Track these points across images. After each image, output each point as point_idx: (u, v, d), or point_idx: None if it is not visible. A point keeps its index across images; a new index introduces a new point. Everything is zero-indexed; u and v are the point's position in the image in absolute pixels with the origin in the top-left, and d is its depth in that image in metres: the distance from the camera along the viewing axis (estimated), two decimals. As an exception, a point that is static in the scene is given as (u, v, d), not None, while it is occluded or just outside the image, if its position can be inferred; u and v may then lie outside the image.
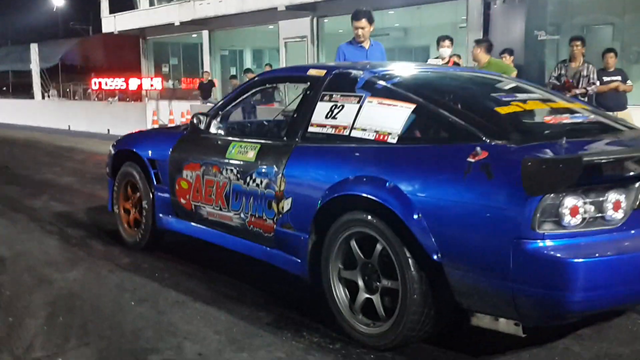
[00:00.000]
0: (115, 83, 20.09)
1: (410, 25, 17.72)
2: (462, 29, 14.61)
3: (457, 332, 3.21)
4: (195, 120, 4.24)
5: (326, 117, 3.41)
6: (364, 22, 5.45)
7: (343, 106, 3.36)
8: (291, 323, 3.45)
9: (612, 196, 2.52)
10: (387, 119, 3.12)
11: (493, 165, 2.58)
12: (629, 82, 8.55)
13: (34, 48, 22.98)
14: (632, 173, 2.49)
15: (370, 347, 3.07)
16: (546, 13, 13.10)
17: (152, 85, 19.51)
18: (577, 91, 8.07)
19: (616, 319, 3.41)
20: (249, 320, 3.51)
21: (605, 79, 8.45)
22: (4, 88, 31.37)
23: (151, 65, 22.95)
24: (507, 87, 3.60)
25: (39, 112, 20.77)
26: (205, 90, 16.93)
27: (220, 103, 4.34)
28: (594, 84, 8.18)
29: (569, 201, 2.45)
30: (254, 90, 4.18)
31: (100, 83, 20.35)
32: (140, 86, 19.75)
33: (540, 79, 11.16)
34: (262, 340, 3.25)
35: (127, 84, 19.82)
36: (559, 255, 2.41)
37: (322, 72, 3.64)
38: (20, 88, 27.30)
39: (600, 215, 2.53)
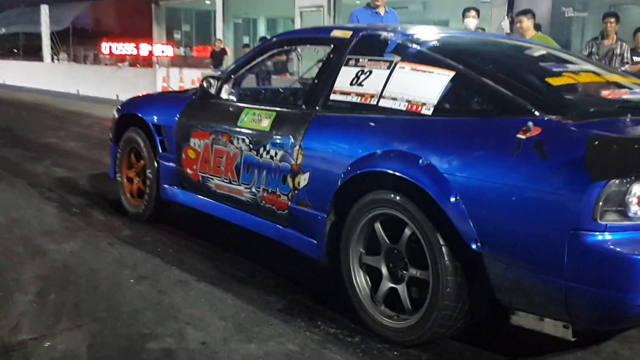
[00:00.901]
0: (125, 48, 19.72)
1: (430, -1, 17.26)
2: (485, 4, 14.10)
3: (492, 330, 2.89)
4: (205, 84, 3.89)
5: (351, 83, 3.04)
6: None
7: (371, 72, 2.98)
8: (305, 310, 3.14)
9: (685, 184, 2.17)
10: (422, 87, 2.75)
11: (548, 144, 2.21)
12: None
13: (44, 10, 22.57)
14: None
15: (394, 342, 2.75)
16: (574, -10, 12.66)
17: (163, 52, 19.12)
18: None
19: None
20: (258, 304, 3.20)
21: (636, 59, 8.04)
22: (15, 50, 31.04)
23: (163, 31, 22.51)
24: (555, 57, 3.21)
25: (48, 75, 20.46)
26: (217, 59, 16.53)
27: (233, 66, 3.97)
28: (627, 63, 7.76)
29: (637, 188, 2.09)
30: (271, 53, 3.80)
31: (110, 48, 19.97)
32: (151, 52, 19.37)
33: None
34: (272, 329, 2.94)
35: (138, 50, 19.45)
36: (623, 250, 2.06)
37: (348, 34, 3.27)
38: (31, 50, 26.94)
39: (668, 205, 2.17)
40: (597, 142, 1.97)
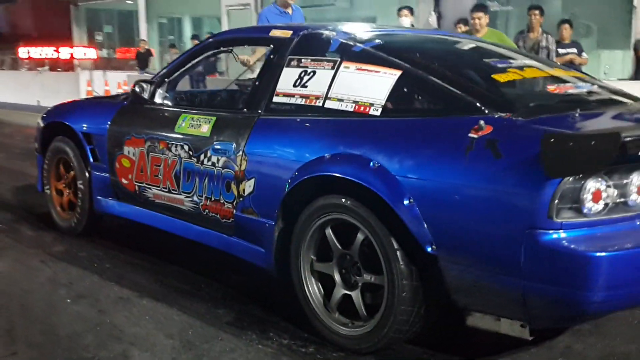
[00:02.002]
0: (45, 52, 18.96)
1: (357, -6, 17.31)
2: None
3: (447, 331, 2.86)
4: (137, 89, 3.71)
5: (294, 85, 2.95)
6: None
7: (314, 72, 2.90)
8: (255, 322, 3.03)
9: (637, 178, 2.19)
10: (369, 87, 2.69)
11: (501, 142, 2.19)
12: (584, 54, 8.40)
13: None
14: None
15: (349, 350, 2.68)
16: (498, -17, 12.94)
17: (85, 55, 18.47)
18: None
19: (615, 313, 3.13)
20: (206, 319, 3.07)
21: (561, 51, 8.27)
22: None
23: (84, 33, 21.70)
24: (497, 53, 3.21)
25: (-39, 83, 19.41)
26: (142, 60, 16.12)
27: (167, 69, 3.81)
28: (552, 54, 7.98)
29: (592, 184, 2.09)
30: (206, 54, 3.66)
31: (29, 52, 19.16)
32: (72, 55, 18.69)
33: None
34: (222, 344, 2.82)
35: (58, 53, 18.73)
36: (579, 247, 2.06)
37: (288, 33, 3.17)
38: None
39: (622, 200, 2.18)
40: (552, 140, 1.95)
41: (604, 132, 1.99)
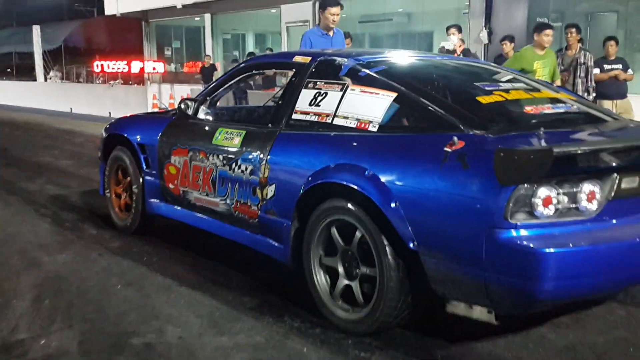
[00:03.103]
0: (117, 66, 20.03)
1: (413, 10, 17.60)
2: (466, 14, 14.54)
3: (435, 319, 3.23)
4: (182, 106, 4.25)
5: (310, 104, 3.41)
6: (338, 9, 5.51)
7: (326, 93, 3.36)
8: (274, 308, 3.48)
9: (587, 187, 2.53)
10: (369, 107, 3.12)
11: (469, 155, 2.58)
12: (630, 70, 8.48)
13: (36, 30, 22.94)
14: (606, 165, 2.50)
15: (349, 332, 3.10)
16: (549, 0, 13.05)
17: (154, 69, 19.44)
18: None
19: (595, 308, 3.43)
20: (232, 305, 3.54)
21: (606, 67, 8.41)
22: (8, 70, 31.32)
23: (154, 48, 22.81)
24: (493, 77, 3.58)
25: (41, 95, 20.78)
26: (206, 75, 16.86)
27: (208, 89, 4.34)
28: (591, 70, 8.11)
29: (542, 192, 2.46)
30: (241, 77, 4.17)
31: (102, 66, 20.30)
32: (142, 69, 19.70)
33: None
34: (243, 324, 3.28)
35: (130, 67, 19.77)
36: (530, 245, 2.42)
37: (308, 59, 3.64)
38: (25, 70, 27.27)
39: (574, 206, 2.53)
40: (502, 154, 2.33)
41: (540, 148, 2.34)
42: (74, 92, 19.79)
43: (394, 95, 3.08)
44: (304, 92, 3.49)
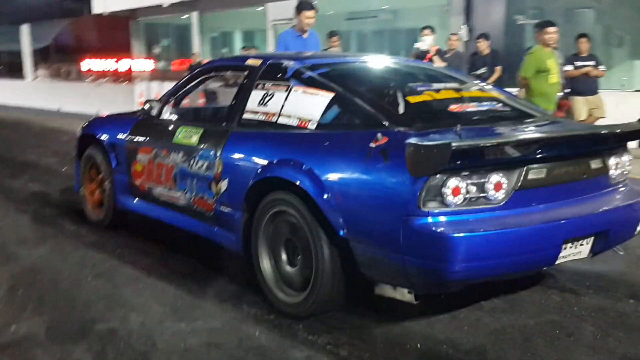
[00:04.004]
0: (106, 65, 20.22)
1: (398, 7, 17.83)
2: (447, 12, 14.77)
3: (374, 302, 3.47)
4: (147, 107, 4.51)
5: (259, 104, 3.68)
6: (313, 12, 5.74)
7: (273, 94, 3.62)
8: (234, 297, 3.72)
9: (494, 178, 2.80)
10: (309, 106, 3.39)
11: (390, 150, 2.85)
12: (601, 67, 8.62)
13: (25, 29, 23.07)
14: (512, 157, 2.77)
15: (289, 315, 3.35)
16: (527, -4, 13.30)
17: (142, 67, 19.64)
18: None
19: (533, 294, 3.70)
20: (195, 294, 3.79)
21: (578, 63, 8.58)
22: (0, 67, 31.37)
23: (142, 46, 23.03)
24: (429, 78, 3.84)
25: (30, 93, 20.94)
26: (193, 72, 17.09)
27: (171, 90, 4.60)
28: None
29: (452, 182, 2.73)
30: (201, 78, 4.44)
31: (90, 64, 20.50)
32: (130, 68, 19.90)
33: (518, 64, 11.40)
34: (202, 311, 3.54)
35: (118, 65, 19.95)
36: (440, 230, 2.70)
37: (258, 62, 3.91)
38: (15, 68, 27.38)
39: (483, 195, 2.81)
40: (411, 148, 2.60)
41: (440, 142, 2.60)
42: (62, 91, 19.98)
43: (331, 95, 3.35)
44: (254, 92, 3.76)
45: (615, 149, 3.29)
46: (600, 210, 3.12)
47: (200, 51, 19.49)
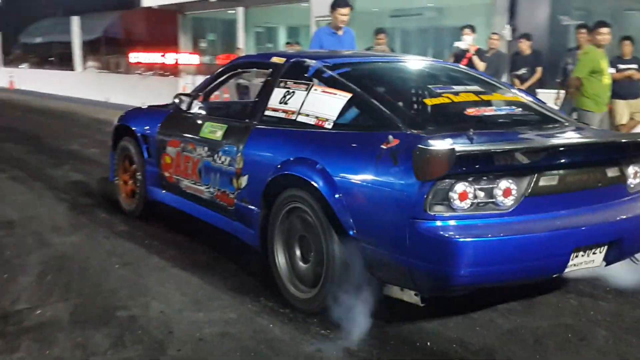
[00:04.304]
0: (153, 57, 20.59)
1: (443, 5, 17.69)
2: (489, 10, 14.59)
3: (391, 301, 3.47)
4: (177, 101, 4.63)
5: (280, 102, 3.75)
6: (347, 10, 5.76)
7: (294, 92, 3.69)
8: (253, 289, 3.80)
9: (503, 184, 2.80)
10: (327, 106, 3.44)
11: (399, 153, 2.88)
12: None
13: (75, 20, 23.64)
14: (522, 164, 2.77)
15: (301, 310, 3.42)
16: (573, -3, 13.05)
17: (188, 60, 19.95)
18: None
19: (549, 297, 3.69)
20: (216, 285, 3.88)
21: (621, 66, 8.41)
22: (51, 58, 32.20)
23: (189, 40, 23.42)
24: (451, 79, 3.84)
25: (79, 84, 21.45)
26: (237, 67, 17.28)
27: (201, 85, 4.71)
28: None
29: (459, 187, 2.74)
30: (229, 74, 4.54)
31: (138, 57, 20.91)
32: (176, 61, 20.23)
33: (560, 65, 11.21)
34: (220, 303, 3.64)
35: (164, 59, 20.30)
36: (446, 234, 2.71)
37: (282, 60, 3.98)
38: (66, 59, 28.11)
39: (491, 200, 2.81)
40: (417, 152, 2.63)
41: (445, 147, 2.61)
42: (110, 82, 20.43)
43: (349, 95, 3.39)
44: (276, 90, 3.82)
45: (635, 157, 3.25)
46: (614, 219, 3.09)
47: (245, 47, 19.72)
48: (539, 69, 9.40)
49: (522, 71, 9.41)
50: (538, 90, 9.42)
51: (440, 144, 2.68)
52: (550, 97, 8.88)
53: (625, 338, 3.20)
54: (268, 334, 3.26)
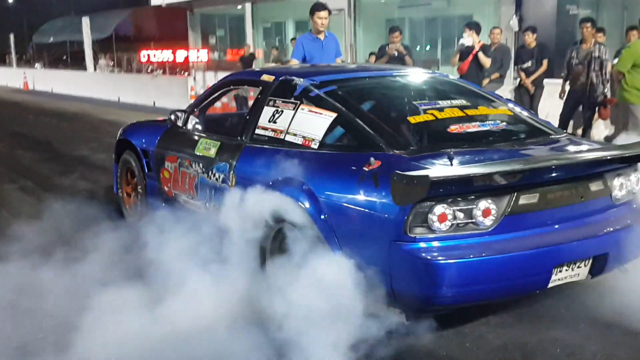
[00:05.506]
0: (163, 55, 20.68)
1: (452, -6, 17.60)
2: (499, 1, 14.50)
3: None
4: (172, 117, 4.70)
5: (269, 120, 3.80)
6: (326, 13, 5.79)
7: (282, 111, 3.74)
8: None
9: (482, 204, 2.84)
10: (313, 125, 3.49)
11: (380, 175, 2.93)
12: None
13: (85, 21, 23.78)
14: (501, 184, 2.80)
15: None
16: (580, -11, 12.94)
17: (198, 57, 20.04)
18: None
19: (542, 307, 3.65)
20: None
21: None
22: (64, 57, 32.48)
23: (198, 37, 23.53)
24: (437, 93, 3.87)
25: (91, 84, 21.64)
26: (246, 63, 17.30)
27: (196, 101, 4.78)
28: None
29: (438, 209, 2.79)
30: (222, 91, 4.60)
31: (148, 55, 21.02)
32: (186, 58, 20.32)
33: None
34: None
35: (175, 56, 20.39)
36: (427, 256, 2.77)
37: (272, 78, 4.02)
38: (78, 59, 28.37)
39: (471, 220, 2.85)
40: (395, 177, 2.67)
41: (419, 173, 2.65)
42: (121, 82, 20.60)
43: (334, 115, 3.44)
44: (266, 109, 3.88)
45: (621, 169, 3.26)
46: (599, 233, 3.11)
47: (253, 42, 19.78)
48: (545, 62, 9.36)
49: (528, 64, 9.38)
50: (547, 80, 9.39)
51: (417, 169, 2.72)
52: (557, 89, 8.87)
53: (614, 353, 3.17)
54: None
